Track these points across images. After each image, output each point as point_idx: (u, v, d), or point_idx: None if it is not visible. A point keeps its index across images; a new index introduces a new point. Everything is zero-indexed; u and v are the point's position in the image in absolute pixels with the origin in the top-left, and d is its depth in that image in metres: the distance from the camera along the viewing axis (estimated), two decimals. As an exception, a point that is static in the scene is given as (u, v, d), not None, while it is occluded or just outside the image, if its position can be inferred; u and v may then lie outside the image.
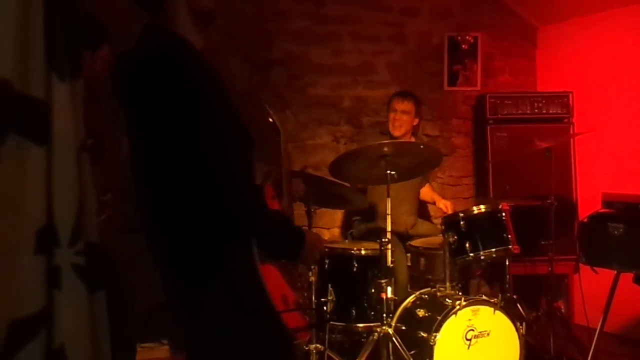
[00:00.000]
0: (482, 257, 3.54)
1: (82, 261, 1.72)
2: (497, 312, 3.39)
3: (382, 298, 3.42)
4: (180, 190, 1.80)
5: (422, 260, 3.80)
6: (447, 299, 3.43)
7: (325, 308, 3.40)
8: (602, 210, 3.61)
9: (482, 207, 3.63)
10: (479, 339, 3.36)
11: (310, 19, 4.84)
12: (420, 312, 3.49)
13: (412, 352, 3.36)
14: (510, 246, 3.56)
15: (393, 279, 3.47)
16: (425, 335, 3.31)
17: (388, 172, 3.44)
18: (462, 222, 3.54)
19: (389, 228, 3.45)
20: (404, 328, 3.48)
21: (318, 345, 3.34)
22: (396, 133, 4.28)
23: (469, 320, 3.35)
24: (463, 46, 5.10)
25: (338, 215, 4.90)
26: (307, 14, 4.83)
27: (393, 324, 3.45)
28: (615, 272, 3.56)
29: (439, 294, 3.53)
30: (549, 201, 3.99)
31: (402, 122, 4.28)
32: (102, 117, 3.02)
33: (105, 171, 2.88)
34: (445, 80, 5.14)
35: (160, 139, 1.79)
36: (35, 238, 1.64)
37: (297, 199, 3.29)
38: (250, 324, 1.86)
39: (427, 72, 5.12)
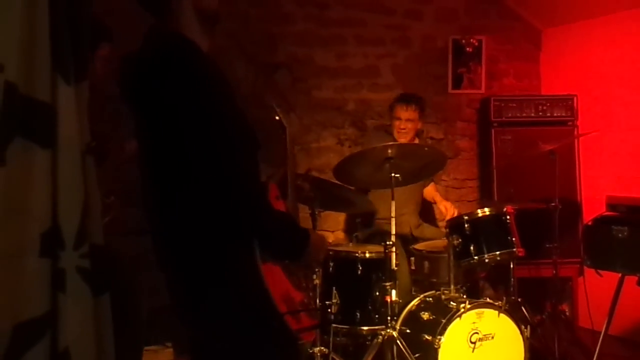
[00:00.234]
0: (487, 260, 3.54)
1: (86, 264, 1.72)
2: (502, 315, 3.38)
3: (387, 301, 3.41)
4: (185, 192, 1.80)
5: (427, 263, 3.79)
6: (451, 302, 3.42)
7: (329, 310, 3.40)
8: (607, 213, 3.60)
9: (487, 210, 3.63)
10: (483, 342, 3.35)
11: (314, 21, 4.84)
12: (425, 315, 3.49)
13: (417, 355, 3.36)
14: (514, 249, 3.55)
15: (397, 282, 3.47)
16: (429, 338, 3.30)
17: (392, 175, 3.44)
18: (466, 225, 3.54)
19: (393, 231, 3.45)
20: (408, 331, 3.48)
21: (322, 347, 3.33)
22: (402, 140, 4.23)
23: (474, 323, 3.34)
24: (467, 49, 5.10)
25: (342, 218, 4.90)
26: (312, 16, 4.83)
27: (397, 327, 3.45)
28: (620, 274, 3.55)
29: (443, 296, 3.52)
30: (553, 204, 3.98)
31: (407, 129, 4.25)
32: (105, 119, 3.03)
33: (108, 173, 2.89)
34: (450, 83, 5.14)
35: (166, 140, 1.79)
36: (40, 241, 1.64)
37: (302, 198, 3.29)
38: (253, 325, 1.86)
39: (431, 75, 5.12)
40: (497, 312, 3.38)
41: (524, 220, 3.74)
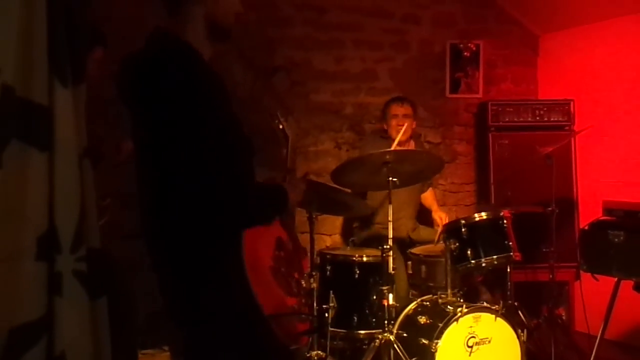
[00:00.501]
0: (484, 264, 3.54)
1: (83, 267, 1.72)
2: (499, 319, 3.38)
3: (384, 305, 3.41)
4: (177, 193, 1.81)
5: (424, 267, 3.80)
6: (448, 306, 3.43)
7: (327, 315, 3.40)
8: (603, 218, 3.61)
9: (484, 214, 3.63)
10: (480, 346, 3.35)
11: (312, 25, 4.85)
12: (422, 319, 3.49)
13: (414, 359, 3.35)
14: (511, 253, 3.56)
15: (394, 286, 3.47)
16: (426, 342, 3.30)
17: (390, 179, 3.44)
18: (463, 229, 3.54)
19: (390, 235, 3.45)
20: (405, 335, 3.48)
21: (319, 352, 3.33)
22: (403, 137, 4.22)
23: (470, 327, 3.34)
24: (465, 54, 5.11)
25: (339, 222, 4.90)
26: (310, 20, 4.84)
27: (394, 331, 3.44)
28: (616, 279, 3.55)
29: (440, 300, 3.52)
30: (550, 208, 3.99)
31: (405, 126, 4.26)
32: (100, 121, 3.03)
33: (103, 176, 2.89)
34: (448, 88, 5.14)
35: (160, 141, 1.80)
36: (37, 244, 1.64)
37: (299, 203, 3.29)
38: (242, 327, 1.87)
39: (429, 80, 5.13)
40: (493, 316, 3.38)
41: (521, 225, 3.74)
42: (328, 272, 3.61)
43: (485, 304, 3.51)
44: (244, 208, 1.84)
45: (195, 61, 1.85)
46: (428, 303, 3.60)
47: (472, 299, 3.94)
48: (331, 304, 3.41)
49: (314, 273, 3.34)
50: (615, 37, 4.67)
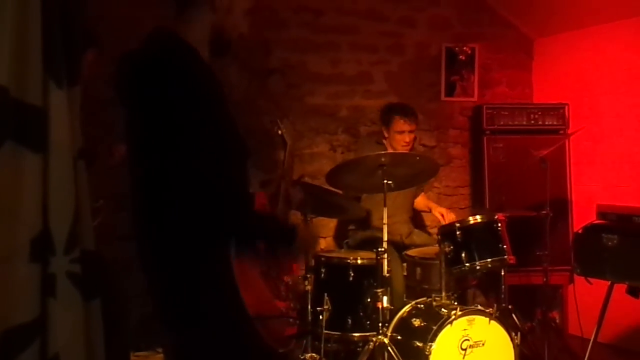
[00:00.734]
0: (478, 267, 3.55)
1: (77, 269, 1.71)
2: (492, 322, 3.39)
3: (378, 307, 3.41)
4: (170, 195, 1.80)
5: (418, 270, 3.80)
6: (442, 309, 3.43)
7: (321, 317, 3.39)
8: (597, 222, 3.62)
9: (478, 218, 3.64)
10: (474, 349, 3.36)
11: (308, 28, 4.84)
12: (416, 322, 3.49)
13: (408, 361, 3.36)
14: (505, 256, 3.56)
15: (389, 289, 3.47)
16: (420, 344, 3.30)
17: (385, 181, 3.45)
18: (458, 232, 3.55)
19: (385, 237, 3.45)
20: (399, 337, 3.48)
21: (314, 354, 3.33)
22: (405, 152, 4.22)
23: (465, 330, 3.35)
24: (460, 57, 5.12)
25: (333, 224, 4.90)
26: (306, 23, 4.84)
27: (389, 334, 3.45)
28: (609, 282, 3.57)
29: (434, 303, 3.53)
30: (544, 212, 4.00)
31: (410, 141, 4.27)
32: (94, 123, 3.02)
33: (97, 177, 2.88)
34: (443, 91, 5.15)
35: (154, 140, 1.80)
36: (30, 246, 1.63)
37: (295, 207, 3.29)
38: (230, 331, 1.87)
39: (424, 83, 5.14)
40: (487, 319, 3.39)
41: (515, 228, 3.75)
42: (322, 275, 3.61)
43: (479, 307, 3.52)
44: (236, 212, 1.84)
45: (195, 61, 1.85)
46: (422, 306, 3.61)
47: (466, 302, 3.95)
48: (325, 307, 3.41)
49: (308, 275, 3.34)
50: (610, 42, 4.69)
